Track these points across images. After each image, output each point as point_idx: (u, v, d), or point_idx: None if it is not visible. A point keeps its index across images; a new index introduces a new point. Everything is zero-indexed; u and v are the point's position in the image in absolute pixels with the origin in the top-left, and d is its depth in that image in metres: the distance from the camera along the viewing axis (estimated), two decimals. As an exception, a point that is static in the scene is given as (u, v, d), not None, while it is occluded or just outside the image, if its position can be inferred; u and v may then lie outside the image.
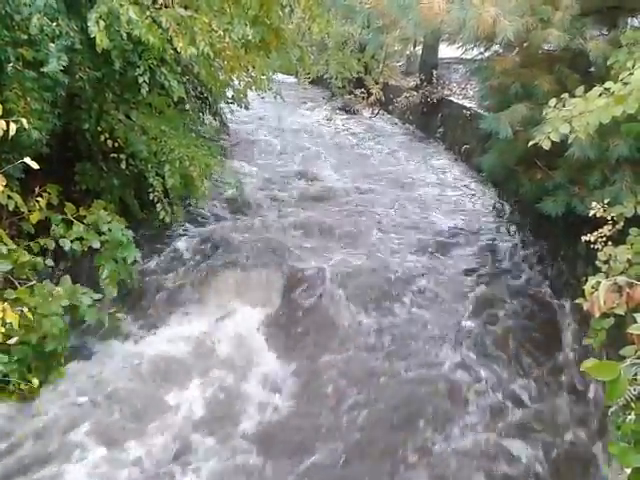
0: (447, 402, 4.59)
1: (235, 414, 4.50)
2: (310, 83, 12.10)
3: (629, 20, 5.77)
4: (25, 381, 4.15)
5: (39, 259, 4.61)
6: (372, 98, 11.15)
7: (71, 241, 4.79)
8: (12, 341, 3.70)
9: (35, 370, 4.25)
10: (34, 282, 4.33)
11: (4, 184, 4.00)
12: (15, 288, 4.18)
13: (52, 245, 4.78)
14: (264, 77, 6.73)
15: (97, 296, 4.72)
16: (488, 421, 4.39)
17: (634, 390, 2.49)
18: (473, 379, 4.79)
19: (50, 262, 4.84)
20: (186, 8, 4.50)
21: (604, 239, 3.89)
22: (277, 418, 4.52)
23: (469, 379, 4.79)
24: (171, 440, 4.18)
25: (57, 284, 4.59)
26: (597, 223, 4.03)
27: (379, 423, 4.44)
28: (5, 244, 4.28)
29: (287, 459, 4.13)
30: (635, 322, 2.04)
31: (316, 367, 5.04)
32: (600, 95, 2.89)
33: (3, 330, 3.55)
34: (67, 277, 4.67)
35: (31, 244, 4.68)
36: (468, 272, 6.37)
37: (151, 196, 5.64)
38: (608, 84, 2.85)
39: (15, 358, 4.06)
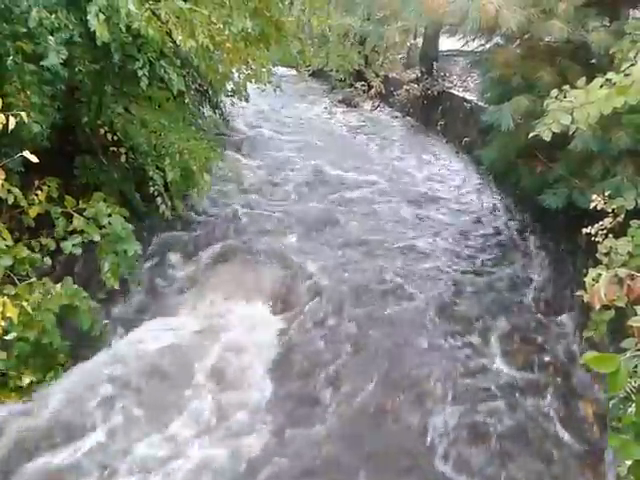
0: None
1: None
2: (310, 76, 12.09)
3: (631, 11, 5.75)
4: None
5: (38, 256, 4.60)
6: (373, 91, 11.13)
7: (73, 245, 4.81)
8: (10, 337, 3.69)
9: (32, 368, 4.23)
10: (33, 279, 4.31)
11: (3, 178, 3.99)
12: (14, 284, 4.17)
13: (53, 246, 4.78)
14: (264, 70, 6.72)
15: (94, 304, 4.74)
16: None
17: (634, 382, 2.49)
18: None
19: (48, 260, 4.84)
20: (185, 1, 4.48)
21: (605, 231, 3.89)
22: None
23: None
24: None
25: (56, 282, 4.58)
26: (598, 216, 4.04)
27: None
28: (4, 239, 4.27)
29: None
30: (636, 314, 2.03)
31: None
32: (601, 86, 2.88)
33: (3, 324, 3.55)
34: (69, 278, 4.67)
35: (32, 242, 4.67)
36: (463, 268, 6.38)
37: (151, 189, 5.63)
38: (610, 75, 2.83)
39: (15, 353, 4.06)
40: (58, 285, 4.43)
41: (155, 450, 4.00)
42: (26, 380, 4.10)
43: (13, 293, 3.99)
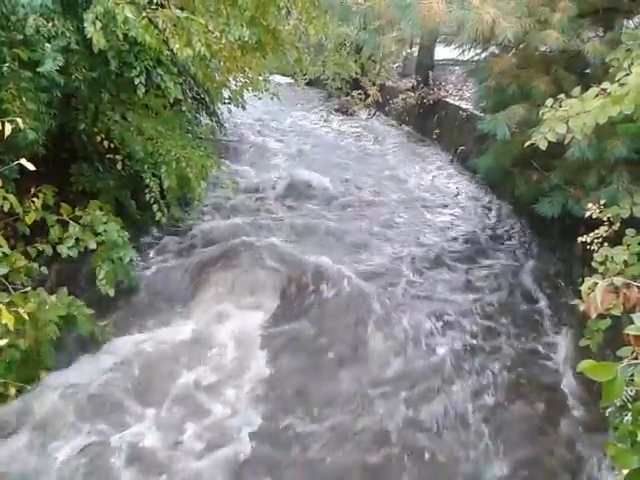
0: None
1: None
2: (307, 84, 12.11)
3: (625, 22, 5.80)
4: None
5: (35, 265, 4.59)
6: (369, 99, 11.14)
7: (68, 248, 4.79)
8: (2, 342, 3.66)
9: (17, 375, 4.17)
10: (29, 288, 4.28)
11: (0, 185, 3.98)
12: (9, 292, 4.14)
13: (50, 251, 4.76)
14: (261, 78, 6.75)
15: (90, 311, 4.72)
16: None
17: (630, 391, 2.49)
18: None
19: (45, 269, 4.82)
20: (182, 9, 4.50)
21: (600, 240, 3.90)
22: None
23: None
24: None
25: (51, 291, 4.54)
26: (593, 224, 4.04)
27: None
28: (0, 246, 4.25)
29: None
30: (632, 323, 2.03)
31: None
32: (596, 96, 2.90)
33: (-1, 331, 3.53)
34: (64, 289, 4.65)
35: (28, 248, 4.65)
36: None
37: (147, 197, 5.63)
38: (605, 85, 2.86)
39: (7, 360, 4.02)
40: (53, 296, 4.40)
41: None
42: (12, 389, 4.05)
43: (7, 301, 3.97)
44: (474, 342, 5.27)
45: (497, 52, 6.00)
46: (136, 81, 4.92)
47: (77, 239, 4.85)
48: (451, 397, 4.62)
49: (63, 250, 4.78)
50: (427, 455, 4.13)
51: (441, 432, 4.32)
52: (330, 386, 4.75)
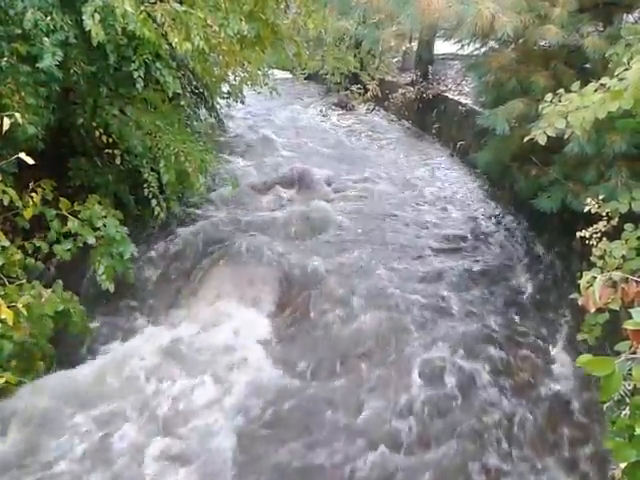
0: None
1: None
2: (306, 79, 12.08)
3: (624, 16, 5.79)
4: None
5: (31, 260, 4.58)
6: (368, 94, 11.10)
7: (64, 250, 4.80)
8: None
9: (14, 368, 4.16)
10: (23, 281, 4.27)
11: (-1, 179, 3.99)
12: (4, 285, 4.13)
13: (46, 249, 4.76)
14: (260, 72, 6.73)
15: (82, 308, 4.74)
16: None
17: (628, 385, 2.50)
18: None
19: (41, 264, 4.81)
20: (181, 3, 4.49)
21: (599, 235, 3.90)
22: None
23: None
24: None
25: (46, 285, 4.53)
26: (592, 219, 4.05)
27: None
28: (-1, 240, 4.25)
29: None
30: (630, 317, 2.04)
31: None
32: (596, 91, 2.90)
33: (-1, 325, 3.53)
34: (59, 282, 4.64)
35: (25, 244, 4.64)
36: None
37: (146, 192, 5.62)
38: (604, 80, 2.86)
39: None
40: (49, 290, 4.39)
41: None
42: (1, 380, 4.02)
43: (2, 294, 3.96)
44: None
45: (496, 47, 5.99)
46: (135, 75, 4.90)
47: (76, 234, 4.85)
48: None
49: (59, 250, 4.79)
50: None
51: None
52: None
